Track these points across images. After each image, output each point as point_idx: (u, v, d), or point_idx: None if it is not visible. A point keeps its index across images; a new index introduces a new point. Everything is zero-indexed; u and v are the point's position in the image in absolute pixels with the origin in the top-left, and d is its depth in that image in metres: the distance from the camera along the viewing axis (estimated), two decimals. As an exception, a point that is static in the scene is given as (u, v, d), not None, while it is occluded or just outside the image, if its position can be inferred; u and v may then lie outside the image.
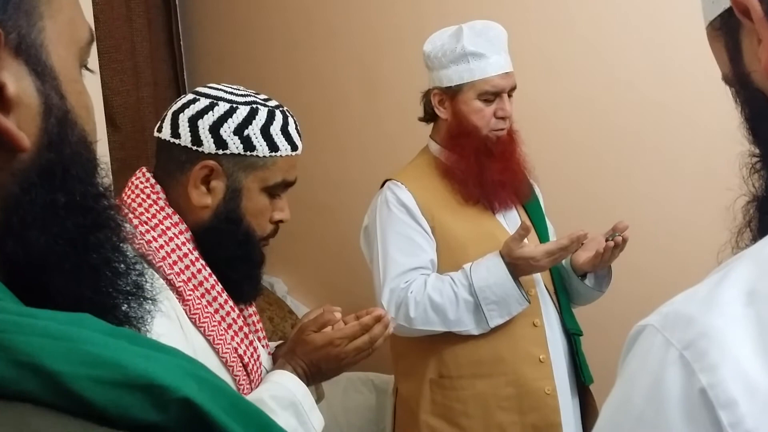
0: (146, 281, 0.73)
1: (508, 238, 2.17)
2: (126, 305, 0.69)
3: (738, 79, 0.79)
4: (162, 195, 1.49)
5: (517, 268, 2.17)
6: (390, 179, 2.34)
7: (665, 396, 0.61)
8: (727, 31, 0.78)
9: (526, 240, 2.18)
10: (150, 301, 0.73)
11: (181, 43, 3.61)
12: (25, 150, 0.58)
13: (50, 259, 0.61)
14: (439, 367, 2.29)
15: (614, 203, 2.92)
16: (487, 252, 2.23)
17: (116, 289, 0.68)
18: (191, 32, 3.65)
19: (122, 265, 0.69)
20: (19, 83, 0.58)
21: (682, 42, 2.81)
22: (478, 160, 2.28)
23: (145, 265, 0.75)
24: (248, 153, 1.48)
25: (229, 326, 1.48)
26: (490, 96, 2.25)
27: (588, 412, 2.40)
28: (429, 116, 2.38)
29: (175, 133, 1.48)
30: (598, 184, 2.98)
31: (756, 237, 0.82)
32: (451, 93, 2.28)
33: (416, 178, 2.33)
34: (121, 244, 0.69)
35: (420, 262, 2.24)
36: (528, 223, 2.16)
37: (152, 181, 1.51)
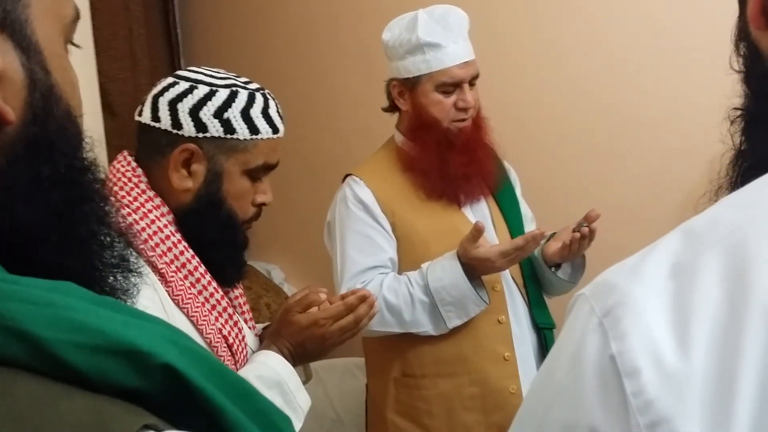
0: (131, 254, 0.76)
1: (463, 239, 2.10)
2: (112, 277, 0.71)
3: (740, 32, 0.79)
4: (143, 178, 1.50)
5: (474, 268, 2.11)
6: (350, 174, 2.29)
7: (582, 364, 0.60)
8: None
9: (490, 237, 2.12)
10: (135, 274, 0.75)
11: (179, 30, 3.60)
12: (10, 123, 0.59)
13: (36, 231, 0.63)
14: (402, 366, 2.26)
15: (592, 188, 2.83)
16: (451, 248, 2.16)
17: (102, 261, 0.69)
18: (189, 20, 3.64)
19: (107, 238, 0.70)
20: (4, 58, 0.59)
21: (656, 24, 2.72)
22: (441, 154, 2.21)
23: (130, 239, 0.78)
24: (228, 136, 1.48)
25: (213, 307, 1.49)
26: (449, 87, 2.17)
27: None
28: (392, 107, 2.31)
29: (155, 116, 1.49)
30: (578, 168, 2.89)
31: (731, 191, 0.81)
32: (410, 84, 2.20)
33: (377, 173, 2.27)
34: (106, 218, 0.70)
35: (378, 261, 2.20)
36: (482, 223, 2.08)
37: (133, 164, 1.52)
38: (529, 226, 2.38)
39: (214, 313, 1.49)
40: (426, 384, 2.23)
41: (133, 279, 0.73)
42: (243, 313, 1.64)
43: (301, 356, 1.59)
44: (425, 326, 2.16)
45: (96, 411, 0.50)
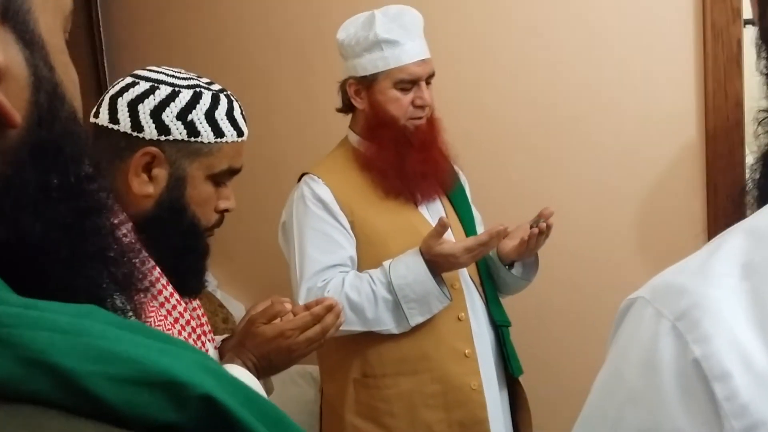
0: (139, 270, 0.70)
1: (427, 235, 2.11)
2: (118, 297, 0.65)
3: (762, 31, 0.77)
4: None
5: (437, 265, 2.12)
6: (307, 173, 2.26)
7: (658, 368, 0.59)
8: None
9: (446, 236, 2.12)
10: (143, 292, 0.70)
11: (101, 29, 3.47)
12: (16, 126, 0.53)
13: (46, 246, 0.57)
14: (363, 366, 2.23)
15: (540, 190, 2.87)
16: (409, 246, 2.17)
17: (111, 278, 0.64)
18: (112, 18, 3.52)
19: (116, 253, 0.65)
20: (7, 53, 0.53)
21: (607, 27, 2.78)
22: (398, 151, 2.21)
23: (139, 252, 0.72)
24: (192, 139, 1.42)
25: (176, 320, 1.43)
26: (407, 84, 2.19)
27: (518, 404, 2.37)
28: (347, 107, 2.30)
29: (114, 118, 1.41)
30: (524, 171, 2.92)
31: (756, 194, 0.82)
32: (367, 83, 2.20)
33: (334, 171, 2.26)
34: (114, 231, 0.65)
35: (338, 260, 2.18)
36: (446, 219, 2.10)
37: None
38: (479, 228, 2.40)
39: (177, 326, 1.43)
40: (387, 383, 2.21)
41: (140, 297, 0.70)
42: (202, 324, 1.58)
43: (266, 369, 1.55)
44: (387, 324, 2.15)
45: None
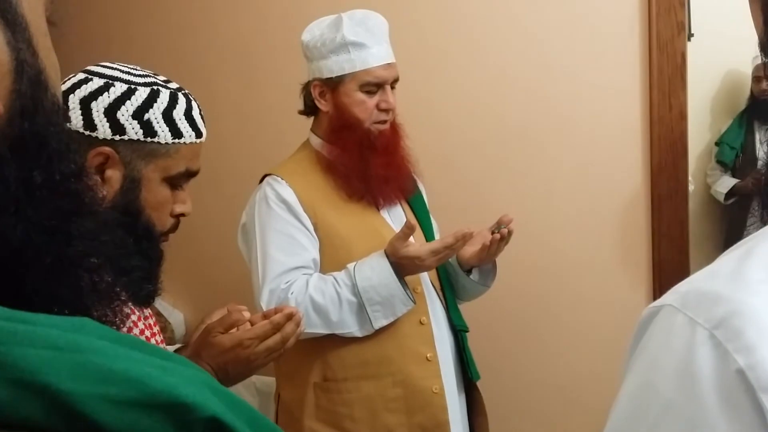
0: (126, 279, 0.64)
1: (393, 237, 2.10)
2: (101, 308, 0.61)
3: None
4: None
5: (403, 267, 2.11)
6: (269, 174, 2.24)
7: (696, 379, 0.56)
8: None
9: (411, 239, 2.12)
10: (126, 302, 0.63)
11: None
12: None
13: (28, 251, 0.52)
14: (323, 370, 2.21)
15: (498, 199, 2.89)
16: (371, 249, 2.16)
17: (92, 288, 0.58)
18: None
19: (101, 260, 0.59)
20: None
21: (567, 37, 2.82)
22: (362, 154, 2.21)
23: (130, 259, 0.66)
24: (149, 139, 1.36)
25: (130, 329, 1.38)
26: (373, 87, 2.18)
27: (475, 409, 2.38)
28: (309, 109, 2.29)
29: (65, 116, 1.33)
30: (481, 180, 2.95)
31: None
32: (332, 84, 2.19)
33: (297, 173, 2.23)
34: (100, 235, 0.60)
35: (301, 261, 2.15)
36: (413, 221, 2.10)
37: None
38: (436, 235, 2.41)
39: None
40: (348, 387, 2.19)
41: (123, 308, 0.65)
42: (155, 334, 1.53)
43: (223, 380, 1.48)
44: (351, 327, 2.13)
45: None
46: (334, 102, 2.20)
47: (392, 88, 2.22)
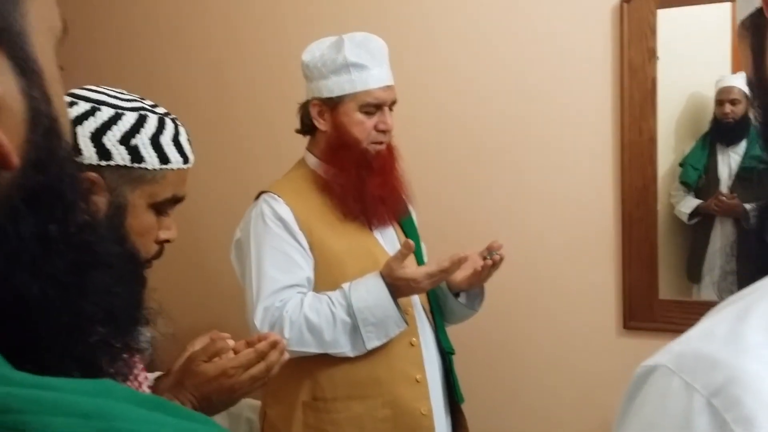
0: (137, 330, 0.62)
1: (390, 258, 2.11)
2: (114, 361, 0.59)
3: (758, 82, 0.76)
4: None
5: (398, 289, 2.12)
6: (266, 191, 2.23)
7: None
8: (754, 31, 0.75)
9: (405, 261, 2.12)
10: (138, 354, 0.62)
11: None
12: (12, 168, 0.47)
13: (44, 308, 0.49)
14: (313, 389, 2.21)
15: (475, 222, 2.94)
16: (364, 269, 2.17)
17: (106, 342, 0.57)
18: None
19: (116, 313, 0.57)
20: (2, 82, 0.46)
21: (541, 64, 2.87)
22: (358, 174, 2.21)
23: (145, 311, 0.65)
24: (135, 165, 1.33)
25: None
26: (372, 108, 2.20)
27: (459, 431, 2.40)
28: (307, 128, 2.29)
29: None
30: (458, 203, 2.99)
31: (753, 246, 0.78)
32: (332, 104, 2.20)
33: (293, 192, 2.23)
34: (114, 288, 0.57)
35: (296, 280, 2.15)
36: (411, 241, 2.10)
37: None
38: (425, 258, 2.43)
39: None
40: (338, 407, 2.19)
41: (134, 359, 0.64)
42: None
43: (206, 409, 1.46)
44: (343, 347, 2.14)
45: None
46: (333, 121, 2.21)
47: (390, 109, 2.24)
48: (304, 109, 2.27)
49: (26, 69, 0.48)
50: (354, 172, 2.21)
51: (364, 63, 2.17)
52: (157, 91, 3.09)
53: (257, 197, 2.24)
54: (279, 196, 2.19)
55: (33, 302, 0.49)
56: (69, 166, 0.54)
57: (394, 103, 2.25)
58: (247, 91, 3.24)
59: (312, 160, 2.29)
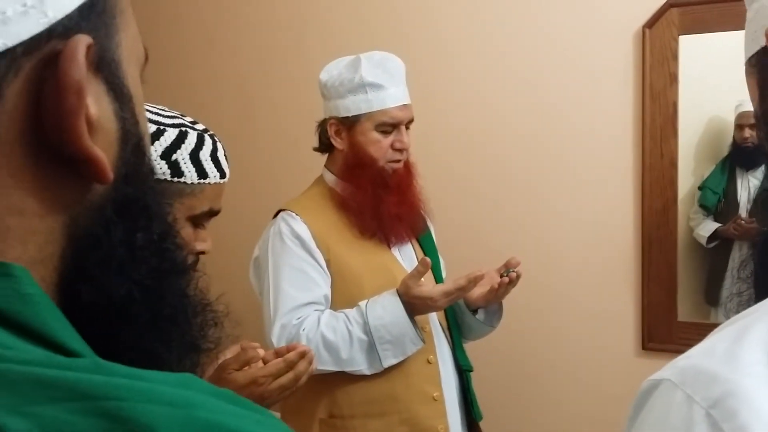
0: (207, 332, 0.68)
1: (406, 276, 2.12)
2: (186, 360, 0.63)
3: (764, 116, 0.80)
4: None
5: (414, 307, 2.13)
6: (284, 209, 2.25)
7: None
8: (760, 68, 0.79)
9: (422, 278, 2.14)
10: (207, 353, 0.67)
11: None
12: (107, 183, 0.52)
13: (129, 308, 0.55)
14: (330, 406, 2.21)
15: (504, 242, 2.95)
16: (382, 286, 2.18)
17: (181, 342, 0.62)
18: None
19: (189, 315, 0.63)
20: (99, 104, 0.51)
21: (565, 87, 2.89)
22: (375, 192, 2.23)
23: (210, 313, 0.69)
24: (175, 179, 1.37)
25: None
26: (388, 127, 2.22)
27: (476, 449, 2.40)
28: (324, 146, 2.31)
29: None
30: (482, 222, 3.00)
31: (754, 274, 0.82)
32: (348, 123, 2.22)
33: (311, 209, 2.25)
34: (188, 291, 0.63)
35: (313, 297, 2.16)
36: (428, 258, 2.12)
37: None
38: (444, 273, 2.44)
39: None
40: (355, 425, 2.19)
41: (203, 358, 0.67)
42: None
43: None
44: (360, 365, 2.14)
45: None
46: (350, 140, 2.23)
47: (407, 128, 2.26)
48: (322, 127, 2.30)
49: (119, 94, 0.54)
50: (370, 191, 2.23)
51: (381, 83, 2.19)
52: (183, 108, 3.15)
53: (275, 215, 2.27)
54: (296, 214, 2.21)
55: (120, 303, 0.54)
56: (151, 179, 0.59)
57: (411, 121, 2.26)
58: (270, 108, 3.28)
59: (330, 178, 2.32)
